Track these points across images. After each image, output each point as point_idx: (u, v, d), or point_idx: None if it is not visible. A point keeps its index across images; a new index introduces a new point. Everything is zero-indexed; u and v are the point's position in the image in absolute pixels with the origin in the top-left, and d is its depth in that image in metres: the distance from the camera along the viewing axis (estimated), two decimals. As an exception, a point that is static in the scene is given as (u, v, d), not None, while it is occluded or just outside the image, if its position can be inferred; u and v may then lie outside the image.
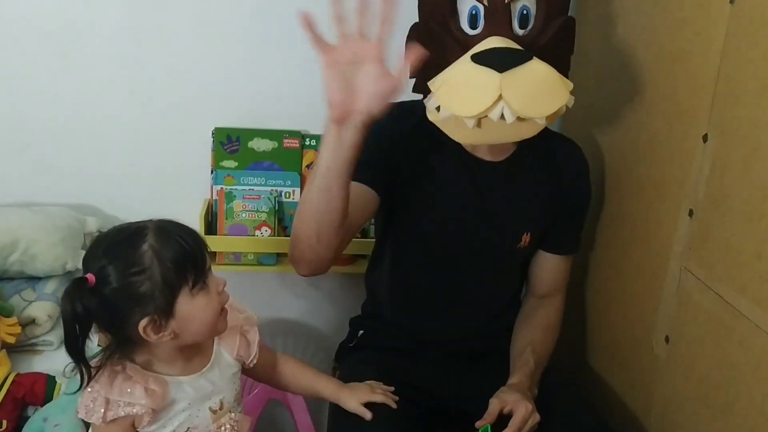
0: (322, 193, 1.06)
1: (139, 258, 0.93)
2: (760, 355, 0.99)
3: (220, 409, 1.06)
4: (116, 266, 0.92)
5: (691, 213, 1.17)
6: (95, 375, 0.96)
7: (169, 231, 0.97)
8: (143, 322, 0.93)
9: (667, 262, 1.23)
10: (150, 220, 0.98)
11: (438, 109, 1.14)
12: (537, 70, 1.08)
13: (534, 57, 1.09)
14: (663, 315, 1.25)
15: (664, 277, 1.24)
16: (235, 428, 1.08)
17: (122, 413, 0.96)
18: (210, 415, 1.05)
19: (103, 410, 0.95)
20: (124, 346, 0.98)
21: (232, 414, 1.08)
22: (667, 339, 1.23)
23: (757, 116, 1.00)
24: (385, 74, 0.98)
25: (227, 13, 1.59)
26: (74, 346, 0.93)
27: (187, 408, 1.02)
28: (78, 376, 0.96)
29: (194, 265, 0.96)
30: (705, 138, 1.13)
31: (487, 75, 1.06)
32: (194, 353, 1.05)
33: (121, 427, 0.97)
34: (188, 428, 1.03)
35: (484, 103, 1.07)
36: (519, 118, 1.08)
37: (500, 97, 1.06)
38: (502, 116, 1.08)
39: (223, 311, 1.02)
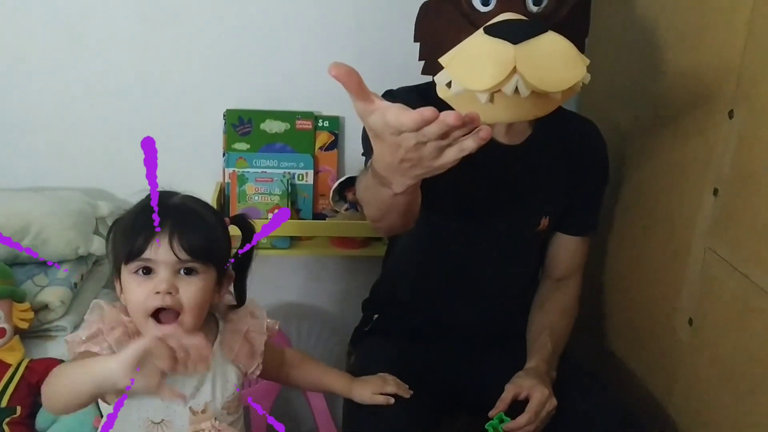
0: (396, 213, 1.07)
1: (127, 213, 1.01)
2: (788, 338, 0.97)
3: (203, 412, 1.02)
4: (121, 217, 1.02)
5: (716, 192, 1.13)
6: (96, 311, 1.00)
7: (160, 206, 0.97)
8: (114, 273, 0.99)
9: (690, 242, 1.20)
10: (182, 195, 1.03)
11: (449, 84, 1.09)
12: (553, 41, 1.03)
13: (549, 30, 1.04)
14: (686, 297, 1.22)
15: (687, 258, 1.21)
16: None
17: (103, 352, 0.94)
18: (189, 415, 1.01)
19: (86, 337, 0.96)
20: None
21: (216, 422, 1.03)
22: (690, 321, 1.20)
23: (785, 90, 0.97)
24: None
25: (238, -6, 1.57)
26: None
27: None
28: None
29: (130, 243, 0.95)
30: (731, 114, 1.09)
31: (500, 47, 1.01)
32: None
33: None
34: (162, 419, 1.00)
35: (498, 76, 1.01)
36: (534, 93, 1.04)
37: (515, 70, 1.01)
38: (517, 90, 1.03)
39: (156, 314, 0.96)
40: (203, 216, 1.01)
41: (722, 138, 1.11)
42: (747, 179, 1.05)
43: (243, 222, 1.09)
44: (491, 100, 1.04)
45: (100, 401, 1.00)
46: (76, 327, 1.45)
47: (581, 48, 1.15)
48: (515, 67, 1.00)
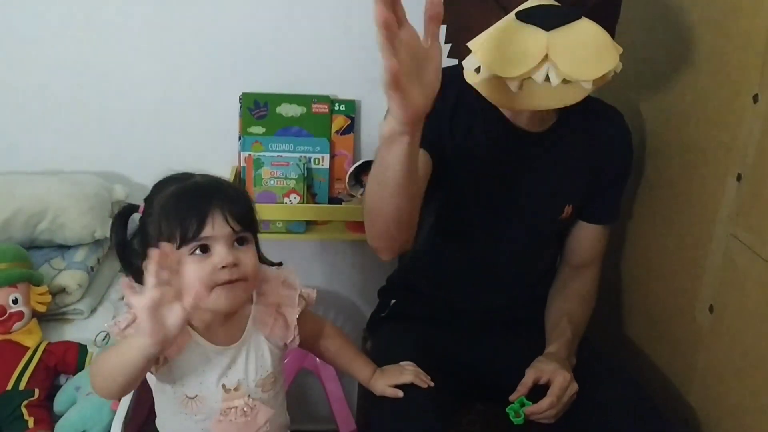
0: (397, 196, 1.01)
1: (156, 202, 0.98)
2: (813, 326, 0.95)
3: (235, 389, 1.02)
4: (147, 202, 1.01)
5: (739, 177, 1.11)
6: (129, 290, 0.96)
7: (189, 189, 0.98)
8: (146, 263, 0.94)
9: (712, 228, 1.18)
10: (200, 174, 1.02)
11: (478, 70, 1.08)
12: (586, 29, 1.01)
13: (583, 16, 1.02)
14: (707, 283, 1.20)
15: (708, 244, 1.19)
16: (247, 414, 1.03)
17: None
18: (222, 392, 1.02)
19: (126, 324, 0.96)
20: None
21: (249, 398, 1.04)
22: (711, 308, 1.19)
23: (814, 74, 0.95)
24: (440, 66, 0.91)
25: (255, -23, 1.56)
26: (124, 266, 1.04)
27: (198, 374, 1.00)
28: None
29: (183, 227, 0.94)
30: (756, 98, 1.07)
31: (532, 33, 1.00)
32: (223, 325, 1.02)
33: None
34: (196, 395, 1.01)
35: (529, 63, 1.00)
36: (564, 82, 1.01)
37: (546, 58, 0.99)
38: (547, 78, 1.01)
39: (221, 285, 0.96)
40: (236, 188, 1.05)
41: (747, 123, 1.09)
42: (772, 165, 1.04)
43: None
44: (521, 87, 1.03)
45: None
46: (93, 310, 1.46)
47: (612, 33, 1.13)
48: (547, 54, 0.98)
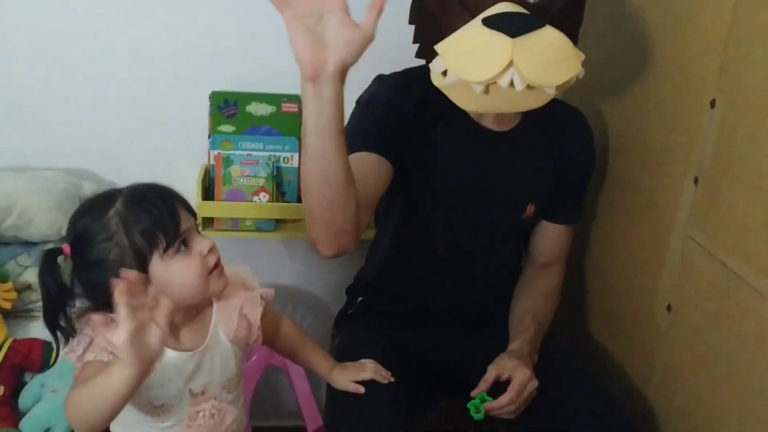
0: (319, 159, 0.99)
1: (106, 224, 0.93)
2: (763, 325, 0.98)
3: (202, 393, 1.03)
4: (86, 234, 0.94)
5: (696, 180, 1.15)
6: (82, 321, 0.96)
7: (140, 196, 0.95)
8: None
9: (671, 230, 1.21)
10: (126, 186, 0.98)
11: (444, 73, 1.10)
12: (550, 37, 1.05)
13: (547, 24, 1.05)
14: (666, 283, 1.23)
15: (667, 245, 1.22)
16: (215, 416, 1.04)
17: (104, 358, 0.92)
18: (189, 397, 1.02)
19: (83, 349, 0.93)
20: (110, 309, 0.94)
21: (216, 402, 1.04)
22: (669, 307, 1.22)
23: (767, 81, 0.98)
24: (349, 23, 0.92)
25: (225, -26, 1.56)
26: (50, 318, 0.95)
27: (165, 382, 0.99)
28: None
29: (163, 229, 0.93)
30: (713, 103, 1.10)
31: (498, 39, 1.02)
32: (187, 330, 1.02)
33: (95, 371, 0.90)
34: (163, 403, 1.00)
35: (494, 68, 1.03)
36: (528, 87, 1.04)
37: (511, 63, 1.02)
38: (512, 83, 1.04)
39: (213, 272, 0.98)
40: (161, 183, 1.02)
41: (704, 127, 1.12)
42: (727, 168, 1.07)
43: None
44: (486, 91, 1.06)
45: None
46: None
47: (575, 39, 1.16)
48: (511, 60, 1.01)
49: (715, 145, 1.10)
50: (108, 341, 0.83)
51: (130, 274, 0.90)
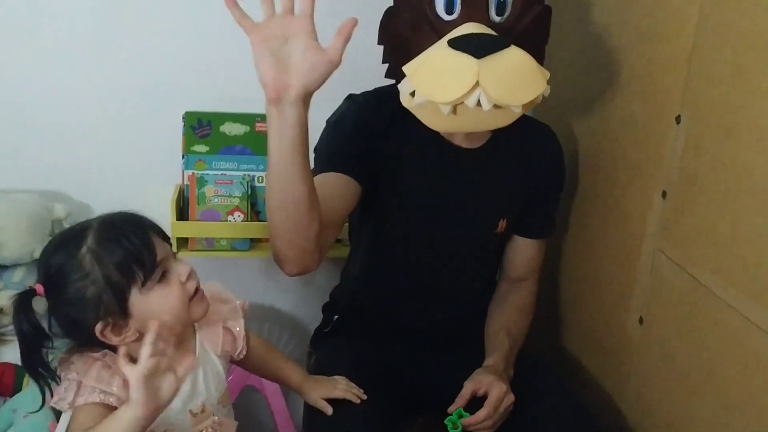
0: (281, 180, 1.00)
1: (79, 263, 0.91)
2: (732, 336, 1.00)
3: (202, 412, 1.03)
4: (60, 273, 0.91)
5: (664, 194, 1.17)
6: (65, 366, 0.94)
7: (111, 228, 0.93)
8: (99, 327, 0.92)
9: (641, 243, 1.23)
10: (96, 218, 0.96)
11: (413, 94, 1.12)
12: (515, 57, 1.07)
13: (512, 44, 1.07)
14: (637, 296, 1.25)
15: (638, 259, 1.24)
16: (217, 431, 1.05)
17: (96, 399, 0.91)
18: (190, 418, 1.02)
19: (73, 395, 0.91)
20: (91, 347, 0.95)
21: (215, 417, 1.04)
22: (641, 320, 1.24)
23: (729, 97, 1.01)
24: (315, 47, 0.94)
25: (198, -4, 1.57)
26: (29, 361, 0.93)
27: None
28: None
29: (139, 262, 0.91)
30: (678, 119, 1.13)
31: (464, 61, 1.05)
32: (176, 352, 1.01)
33: (91, 415, 0.90)
34: (165, 430, 0.99)
35: (461, 89, 1.05)
36: (495, 106, 1.06)
37: (477, 84, 1.04)
38: (479, 103, 1.06)
39: (194, 297, 0.98)
40: (130, 210, 1.00)
41: (670, 142, 1.15)
42: (693, 182, 1.09)
43: None
44: (454, 111, 1.08)
45: None
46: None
47: (542, 56, 1.19)
48: (478, 81, 1.03)
49: (682, 159, 1.12)
50: (120, 375, 0.84)
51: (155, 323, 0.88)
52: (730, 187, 1.00)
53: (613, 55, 1.33)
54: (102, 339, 0.92)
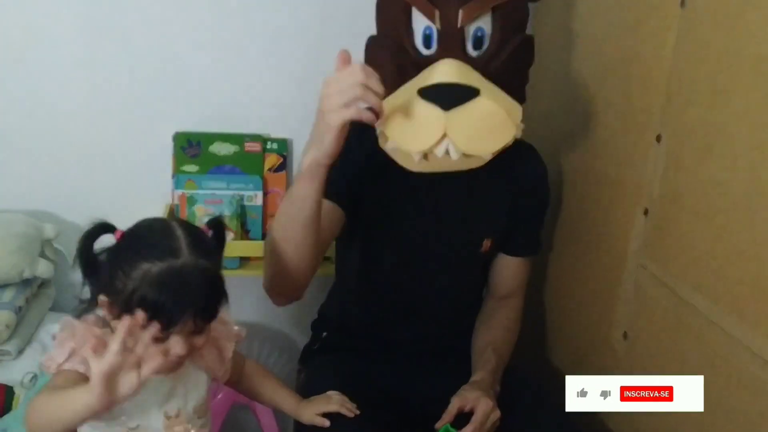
0: (300, 227, 1.10)
1: (137, 267, 0.93)
2: (714, 350, 1.02)
3: (176, 416, 1.03)
4: (136, 243, 0.96)
5: (646, 212, 1.19)
6: (68, 332, 0.97)
7: (178, 276, 0.93)
8: (102, 298, 0.97)
9: (624, 260, 1.25)
10: (189, 251, 0.96)
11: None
12: (483, 107, 1.09)
13: (481, 93, 1.09)
14: (621, 312, 1.27)
15: (621, 275, 1.26)
16: None
17: (80, 368, 0.93)
18: (163, 420, 1.02)
19: (63, 359, 0.94)
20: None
21: (189, 426, 1.05)
22: (625, 335, 1.26)
23: (708, 117, 1.03)
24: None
25: (188, 17, 1.59)
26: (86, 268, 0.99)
27: (140, 403, 0.99)
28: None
29: (160, 319, 0.91)
30: (658, 138, 1.15)
31: (432, 112, 1.08)
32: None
33: (67, 380, 0.93)
34: (138, 425, 1.01)
35: (429, 140, 1.09)
36: (465, 154, 1.10)
37: (445, 135, 1.08)
38: (447, 152, 1.10)
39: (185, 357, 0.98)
40: (217, 279, 1.00)
41: (651, 161, 1.17)
42: (675, 200, 1.11)
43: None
44: (425, 157, 1.11)
45: None
46: (20, 351, 1.43)
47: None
48: (445, 132, 1.07)
49: (663, 178, 1.14)
50: (87, 358, 0.85)
51: (140, 316, 0.90)
52: (710, 204, 1.03)
53: (594, 77, 1.36)
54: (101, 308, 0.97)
